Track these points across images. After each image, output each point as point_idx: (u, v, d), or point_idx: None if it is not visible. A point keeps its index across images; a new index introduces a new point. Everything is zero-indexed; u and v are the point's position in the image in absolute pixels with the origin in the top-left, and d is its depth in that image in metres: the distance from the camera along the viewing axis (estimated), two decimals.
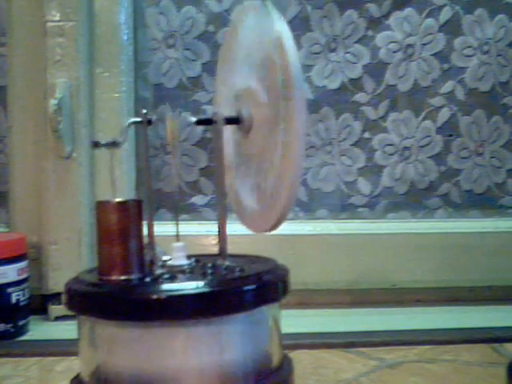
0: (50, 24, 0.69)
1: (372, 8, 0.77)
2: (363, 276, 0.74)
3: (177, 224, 0.40)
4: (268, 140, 0.38)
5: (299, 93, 0.35)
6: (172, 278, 0.34)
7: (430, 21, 0.78)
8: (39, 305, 0.70)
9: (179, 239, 0.39)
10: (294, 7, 0.77)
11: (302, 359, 0.52)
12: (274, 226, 0.39)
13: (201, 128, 0.76)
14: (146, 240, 0.37)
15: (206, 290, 0.32)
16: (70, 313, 0.35)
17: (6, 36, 0.74)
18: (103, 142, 0.38)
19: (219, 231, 0.39)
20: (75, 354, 0.37)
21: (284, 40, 0.36)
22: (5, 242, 0.63)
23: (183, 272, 0.36)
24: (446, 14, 0.78)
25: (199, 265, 0.38)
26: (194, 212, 0.78)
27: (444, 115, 0.79)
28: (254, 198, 0.41)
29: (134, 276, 0.34)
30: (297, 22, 0.77)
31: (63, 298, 0.36)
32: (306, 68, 0.77)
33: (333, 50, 0.78)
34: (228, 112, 0.42)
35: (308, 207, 0.79)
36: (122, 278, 0.34)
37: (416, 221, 0.79)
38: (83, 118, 0.70)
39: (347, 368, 0.51)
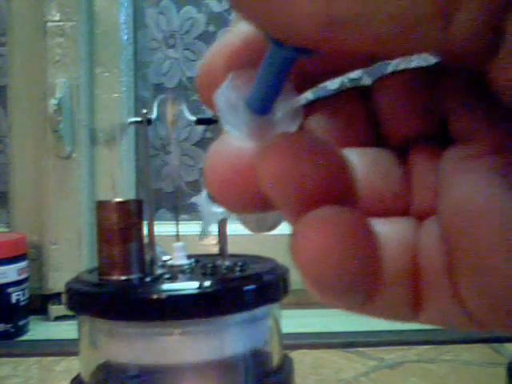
0: (50, 24, 0.69)
1: None
2: None
3: (177, 224, 0.40)
4: None
5: None
6: (172, 278, 0.34)
7: None
8: (39, 305, 0.70)
9: (179, 239, 0.39)
10: None
11: (301, 359, 0.52)
12: (273, 227, 0.39)
13: (201, 128, 0.76)
14: (146, 240, 0.37)
15: (206, 289, 0.32)
16: (70, 313, 0.36)
17: (5, 36, 0.74)
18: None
19: (219, 231, 0.39)
20: (75, 353, 0.37)
21: None
22: (5, 241, 0.63)
23: (183, 272, 0.36)
24: None
25: (199, 265, 0.38)
26: (193, 212, 0.78)
27: None
28: None
29: (135, 276, 0.34)
30: None
31: (64, 297, 0.36)
32: None
33: None
34: None
35: None
36: (123, 277, 0.34)
37: None
38: (83, 118, 0.70)
39: (347, 368, 0.51)
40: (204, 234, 0.28)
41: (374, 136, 0.15)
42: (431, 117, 0.14)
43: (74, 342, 0.38)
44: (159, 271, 0.36)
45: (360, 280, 0.12)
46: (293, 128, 0.14)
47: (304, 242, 0.12)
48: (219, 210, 0.24)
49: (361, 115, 0.15)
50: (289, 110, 0.14)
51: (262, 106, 0.14)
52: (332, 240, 0.12)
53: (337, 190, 0.13)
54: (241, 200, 0.14)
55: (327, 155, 0.13)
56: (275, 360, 0.37)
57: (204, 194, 0.24)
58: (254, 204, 0.14)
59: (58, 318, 0.69)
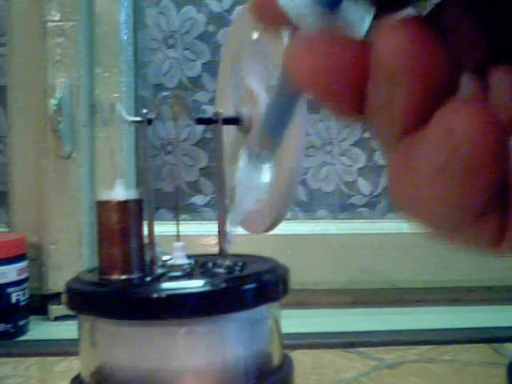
0: (50, 24, 0.69)
1: None
2: (363, 276, 0.74)
3: (177, 224, 0.40)
4: None
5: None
6: (172, 278, 0.34)
7: None
8: (39, 305, 0.70)
9: (179, 239, 0.39)
10: None
11: (302, 359, 0.52)
12: (271, 227, 0.39)
13: (201, 128, 0.76)
14: (146, 240, 0.37)
15: (207, 289, 0.32)
16: (70, 313, 0.36)
17: (6, 36, 0.74)
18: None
19: (219, 231, 0.39)
20: (75, 354, 0.37)
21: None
22: (5, 241, 0.63)
23: (183, 271, 0.36)
24: None
25: (199, 264, 0.38)
26: (193, 212, 0.78)
27: None
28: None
29: (135, 275, 0.34)
30: None
31: (64, 297, 0.36)
32: None
33: None
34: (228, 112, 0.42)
35: (308, 207, 0.78)
36: (123, 277, 0.34)
37: None
38: (83, 118, 0.70)
39: (347, 368, 0.51)
40: (234, 224, 0.25)
41: (449, 64, 0.14)
42: (505, 24, 0.13)
43: (74, 342, 0.38)
44: (159, 271, 0.36)
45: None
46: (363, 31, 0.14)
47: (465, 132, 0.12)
48: (265, 179, 0.21)
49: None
50: (357, 11, 0.14)
51: (330, 1, 0.14)
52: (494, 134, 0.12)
53: (453, 86, 0.12)
54: (340, 86, 0.12)
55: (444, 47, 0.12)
56: (275, 360, 0.37)
57: (244, 157, 0.21)
58: (353, 93, 0.13)
59: (58, 318, 0.69)
